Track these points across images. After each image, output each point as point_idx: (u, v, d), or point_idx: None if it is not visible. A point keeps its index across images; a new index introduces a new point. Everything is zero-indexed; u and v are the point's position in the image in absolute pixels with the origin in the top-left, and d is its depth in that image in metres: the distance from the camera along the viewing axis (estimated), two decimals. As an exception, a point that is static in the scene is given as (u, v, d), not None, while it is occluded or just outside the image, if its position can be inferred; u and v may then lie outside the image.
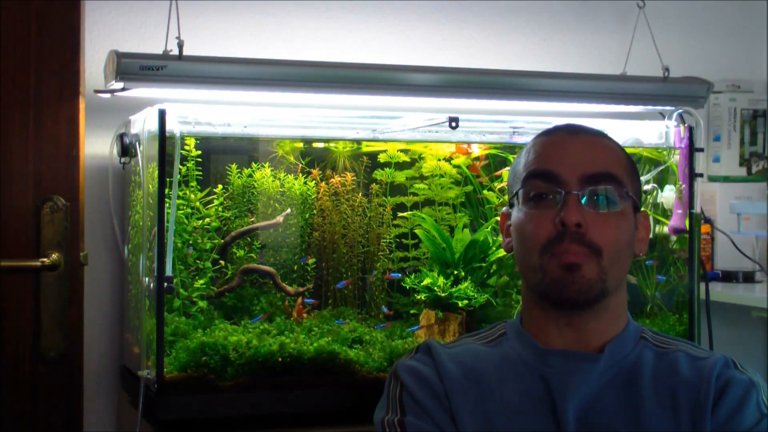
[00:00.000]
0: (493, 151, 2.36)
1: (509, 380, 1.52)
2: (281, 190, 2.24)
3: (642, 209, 1.57)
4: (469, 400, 1.50)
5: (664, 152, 2.35)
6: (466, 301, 2.22)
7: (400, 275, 2.26)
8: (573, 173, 1.49)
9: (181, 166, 2.06)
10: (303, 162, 2.27)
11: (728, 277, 2.73)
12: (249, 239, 2.22)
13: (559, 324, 1.52)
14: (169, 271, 1.95)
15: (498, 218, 2.29)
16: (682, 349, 1.54)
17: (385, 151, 2.31)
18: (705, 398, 1.46)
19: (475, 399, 1.50)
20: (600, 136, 1.57)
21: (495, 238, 2.30)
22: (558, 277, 1.47)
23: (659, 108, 2.39)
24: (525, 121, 2.27)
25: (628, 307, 1.59)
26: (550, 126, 1.62)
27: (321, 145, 2.30)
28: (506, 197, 1.64)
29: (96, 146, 2.30)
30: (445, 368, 1.53)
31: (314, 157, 2.28)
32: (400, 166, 2.33)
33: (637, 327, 1.58)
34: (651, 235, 2.41)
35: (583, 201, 1.48)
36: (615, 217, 1.50)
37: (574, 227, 1.46)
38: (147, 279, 2.03)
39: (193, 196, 2.15)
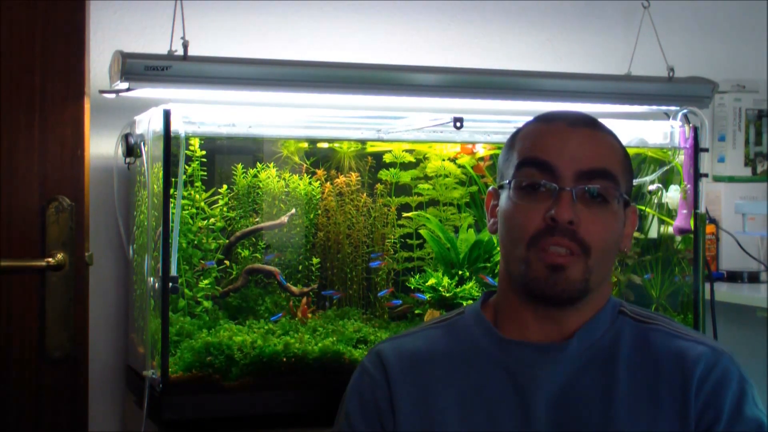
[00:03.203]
0: (497, 152, 2.35)
1: (468, 373, 1.50)
2: (286, 190, 2.24)
3: (631, 204, 1.54)
4: (417, 414, 1.49)
5: (669, 152, 2.35)
6: (470, 301, 2.22)
7: (425, 298, 2.25)
8: (569, 167, 1.47)
9: (186, 166, 2.06)
10: (308, 162, 2.27)
11: (733, 277, 2.73)
12: (254, 239, 2.22)
13: (536, 315, 1.50)
14: (174, 271, 1.95)
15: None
16: (660, 324, 1.52)
17: (390, 151, 2.31)
18: (686, 376, 1.44)
19: (425, 413, 1.49)
20: (599, 129, 1.54)
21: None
22: (542, 275, 1.45)
23: (664, 108, 2.39)
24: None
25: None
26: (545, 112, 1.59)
27: (326, 145, 2.30)
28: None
29: (101, 146, 2.30)
30: (396, 382, 1.52)
31: (319, 157, 2.28)
32: (405, 166, 2.33)
33: (615, 303, 1.54)
34: (656, 236, 2.42)
35: (576, 197, 1.46)
36: (606, 214, 1.48)
37: (566, 224, 1.44)
38: (152, 279, 2.03)
39: (197, 196, 2.15)
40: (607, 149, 1.52)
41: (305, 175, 2.26)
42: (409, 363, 1.54)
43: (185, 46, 2.01)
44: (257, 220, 2.23)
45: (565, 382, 1.46)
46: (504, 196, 1.52)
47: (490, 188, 1.60)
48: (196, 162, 2.14)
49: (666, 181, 2.38)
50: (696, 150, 2.28)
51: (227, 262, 2.18)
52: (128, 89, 2.03)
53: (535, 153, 1.50)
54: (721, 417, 1.43)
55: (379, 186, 2.31)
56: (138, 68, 1.97)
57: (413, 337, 1.59)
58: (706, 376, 1.45)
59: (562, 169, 1.47)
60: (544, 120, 1.56)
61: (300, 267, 2.24)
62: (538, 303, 1.49)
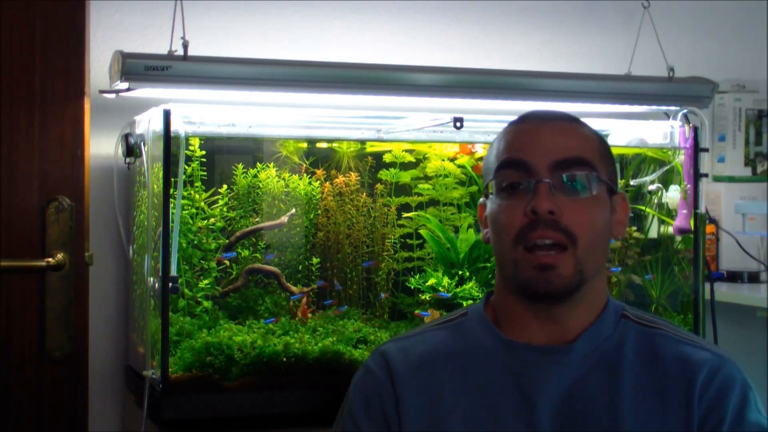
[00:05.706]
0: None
1: (473, 374, 1.50)
2: (286, 190, 2.24)
3: (620, 191, 1.55)
4: (422, 415, 1.49)
5: (669, 152, 2.35)
6: (470, 301, 2.22)
7: (448, 295, 2.24)
8: (543, 161, 1.47)
9: (186, 166, 2.06)
10: (307, 162, 2.27)
11: (733, 277, 2.73)
12: (254, 239, 2.22)
13: (537, 315, 1.50)
14: (173, 271, 1.95)
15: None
16: (664, 329, 1.52)
17: (389, 151, 2.31)
18: (690, 381, 1.44)
19: (430, 414, 1.49)
20: (571, 121, 1.55)
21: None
22: (532, 275, 1.45)
23: (664, 108, 2.39)
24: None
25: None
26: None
27: (325, 145, 2.30)
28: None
29: (101, 146, 2.31)
30: (401, 383, 1.52)
31: (319, 157, 2.28)
32: (405, 166, 2.33)
33: (617, 306, 1.55)
34: (656, 236, 2.42)
35: (554, 188, 1.46)
36: (589, 202, 1.48)
37: (547, 214, 1.44)
38: (152, 279, 2.03)
39: (197, 196, 2.15)
40: (580, 138, 1.53)
41: (305, 175, 2.26)
42: (415, 365, 1.53)
43: (185, 46, 2.01)
44: (257, 220, 2.23)
45: (571, 384, 1.46)
46: (489, 202, 1.54)
47: (481, 200, 1.60)
48: (196, 162, 2.14)
49: (666, 181, 2.38)
50: (696, 150, 2.28)
51: (227, 262, 2.18)
52: (128, 89, 2.03)
53: (509, 154, 1.51)
54: (723, 422, 1.43)
55: (379, 186, 2.31)
56: (138, 68, 1.97)
57: (418, 338, 1.58)
58: (710, 381, 1.45)
59: (536, 163, 1.48)
60: (517, 121, 1.57)
61: (300, 267, 2.24)
62: (534, 301, 1.49)
